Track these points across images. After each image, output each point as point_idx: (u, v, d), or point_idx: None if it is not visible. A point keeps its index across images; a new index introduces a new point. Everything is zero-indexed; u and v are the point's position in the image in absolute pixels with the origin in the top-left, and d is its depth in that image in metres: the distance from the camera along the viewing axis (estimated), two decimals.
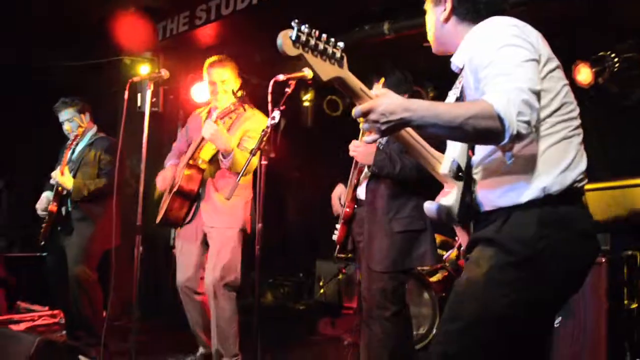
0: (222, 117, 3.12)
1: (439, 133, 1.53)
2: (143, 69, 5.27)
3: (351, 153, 2.85)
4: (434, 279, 4.28)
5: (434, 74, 5.29)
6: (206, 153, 3.32)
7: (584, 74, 4.45)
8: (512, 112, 1.41)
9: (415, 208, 2.81)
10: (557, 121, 1.59)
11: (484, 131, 1.43)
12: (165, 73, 3.14)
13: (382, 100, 1.48)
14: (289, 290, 6.29)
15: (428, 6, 1.86)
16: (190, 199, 3.30)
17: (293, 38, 1.40)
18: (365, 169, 2.93)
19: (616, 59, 4.51)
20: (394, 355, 2.76)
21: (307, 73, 2.72)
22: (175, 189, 3.22)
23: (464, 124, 1.42)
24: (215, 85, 3.34)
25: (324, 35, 1.46)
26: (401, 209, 2.83)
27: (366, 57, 2.98)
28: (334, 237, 3.05)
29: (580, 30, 4.34)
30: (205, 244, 3.38)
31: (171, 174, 3.40)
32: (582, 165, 1.61)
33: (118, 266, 3.19)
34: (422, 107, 1.47)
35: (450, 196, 1.74)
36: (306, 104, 6.50)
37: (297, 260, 6.54)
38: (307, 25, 1.41)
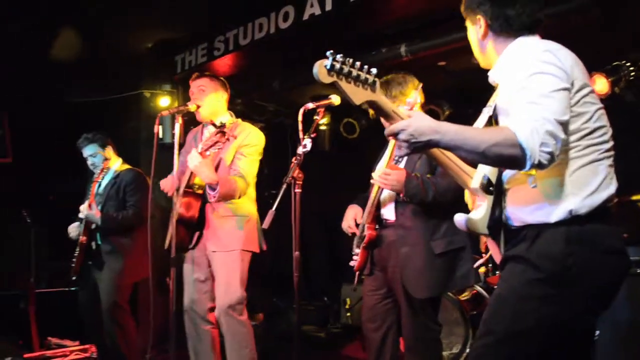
0: (207, 149, 2.98)
1: (463, 156, 1.64)
2: (163, 102, 5.37)
3: (379, 182, 2.68)
4: (463, 297, 4.26)
5: (450, 93, 5.33)
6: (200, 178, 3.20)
7: (600, 84, 4.45)
8: (535, 142, 1.46)
9: (452, 226, 2.72)
10: (587, 144, 1.62)
11: (506, 158, 1.51)
12: (192, 106, 3.19)
13: (413, 121, 1.56)
14: (315, 315, 6.25)
15: (468, 24, 1.90)
16: (192, 225, 3.19)
17: (328, 67, 1.51)
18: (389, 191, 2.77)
19: (632, 68, 4.52)
20: None
21: (334, 100, 2.76)
22: (176, 218, 3.11)
23: (487, 151, 1.50)
24: (193, 93, 3.31)
25: (358, 63, 1.56)
26: (438, 228, 2.70)
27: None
28: (352, 264, 2.89)
29: (593, 41, 4.36)
30: (210, 269, 3.25)
31: (171, 180, 3.21)
32: (612, 187, 1.64)
33: (148, 298, 3.18)
34: (450, 131, 1.54)
35: (480, 210, 1.83)
36: (323, 128, 6.56)
37: (321, 284, 6.53)
38: (341, 55, 1.52)
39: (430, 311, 2.73)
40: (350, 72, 1.55)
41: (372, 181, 2.83)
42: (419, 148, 1.58)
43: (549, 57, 1.59)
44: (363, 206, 2.94)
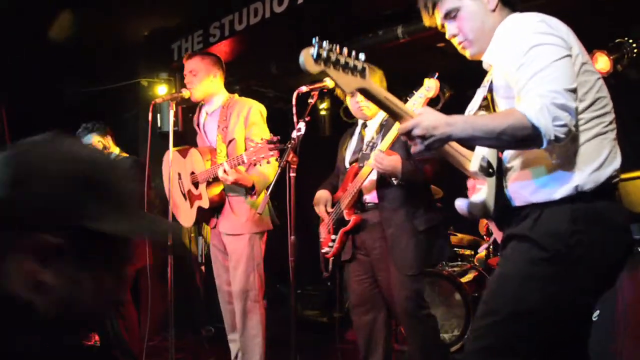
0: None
1: (480, 144, 1.62)
2: (160, 90, 5.35)
3: (374, 165, 2.66)
4: (465, 279, 4.24)
5: (449, 74, 5.26)
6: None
7: (602, 63, 4.40)
8: (546, 118, 1.42)
9: (428, 203, 2.80)
10: (591, 117, 1.57)
11: (522, 140, 1.48)
12: (185, 92, 3.16)
13: (425, 116, 1.51)
14: (319, 300, 6.26)
15: (464, 1, 1.75)
16: (217, 208, 3.18)
17: (314, 56, 1.43)
18: (372, 175, 2.76)
19: (634, 45, 4.45)
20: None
21: (329, 83, 2.73)
22: (206, 206, 3.11)
23: (502, 135, 1.46)
24: (186, 76, 3.24)
25: (345, 50, 1.49)
26: (418, 207, 2.75)
27: (381, 62, 2.96)
28: (327, 250, 2.88)
29: (592, 19, 4.30)
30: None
31: None
32: (616, 162, 1.60)
33: (148, 285, 3.18)
34: (461, 121, 1.51)
35: (481, 193, 1.76)
36: (323, 112, 6.53)
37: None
38: (327, 42, 1.44)
39: (418, 287, 2.76)
40: (338, 60, 1.46)
41: (370, 164, 2.79)
42: (434, 143, 1.50)
43: (544, 27, 1.54)
44: (331, 192, 2.97)
